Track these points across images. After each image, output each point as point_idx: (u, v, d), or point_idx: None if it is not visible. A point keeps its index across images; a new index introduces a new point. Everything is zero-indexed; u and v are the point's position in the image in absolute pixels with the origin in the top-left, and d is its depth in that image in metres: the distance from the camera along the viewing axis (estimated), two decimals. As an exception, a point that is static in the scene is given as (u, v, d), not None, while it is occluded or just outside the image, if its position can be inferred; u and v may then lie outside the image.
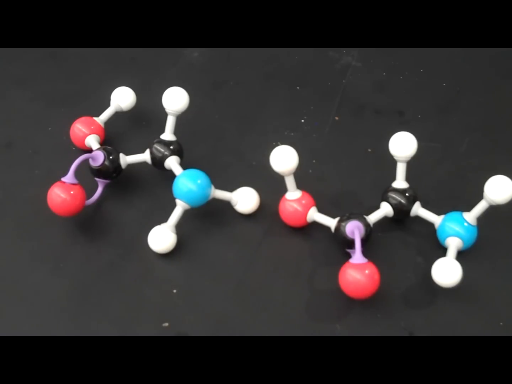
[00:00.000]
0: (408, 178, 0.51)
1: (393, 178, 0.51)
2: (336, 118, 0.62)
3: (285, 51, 0.68)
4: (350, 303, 0.48)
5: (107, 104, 0.59)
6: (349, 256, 0.49)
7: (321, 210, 0.51)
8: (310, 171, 0.57)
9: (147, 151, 0.54)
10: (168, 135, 0.54)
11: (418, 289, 0.49)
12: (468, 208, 0.49)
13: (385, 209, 0.51)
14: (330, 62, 0.67)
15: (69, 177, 0.50)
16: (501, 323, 0.47)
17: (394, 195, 0.51)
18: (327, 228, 0.50)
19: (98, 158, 0.52)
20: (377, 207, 0.51)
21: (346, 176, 0.57)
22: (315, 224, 0.51)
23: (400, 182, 0.51)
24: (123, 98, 0.58)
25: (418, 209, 0.51)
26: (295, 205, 0.51)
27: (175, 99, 0.53)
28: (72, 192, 0.50)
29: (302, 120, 0.61)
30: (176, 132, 0.54)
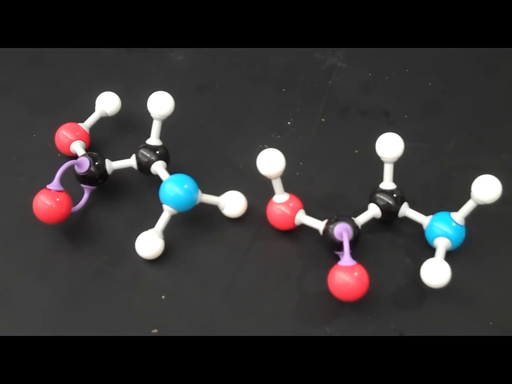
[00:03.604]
0: (395, 179, 0.51)
1: (380, 179, 0.51)
2: (323, 119, 0.61)
3: (270, 52, 0.68)
4: (339, 306, 0.48)
5: (91, 110, 0.58)
6: (338, 258, 0.49)
7: (309, 212, 0.51)
8: (297, 173, 0.57)
9: (133, 157, 0.54)
10: (154, 140, 0.54)
11: (408, 290, 0.49)
12: (456, 208, 0.49)
13: (373, 211, 0.51)
14: (315, 64, 0.67)
15: (54, 184, 0.50)
16: (490, 323, 0.47)
17: (381, 196, 0.51)
18: (316, 231, 0.50)
19: (84, 164, 0.52)
20: (365, 208, 0.51)
21: (334, 178, 0.57)
22: (303, 227, 0.51)
23: (387, 183, 0.51)
24: (107, 103, 0.58)
25: (406, 210, 0.51)
26: (283, 208, 0.51)
27: (160, 104, 0.53)
28: (58, 199, 0.49)
29: (289, 123, 0.61)
30: (162, 136, 0.54)
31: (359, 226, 0.49)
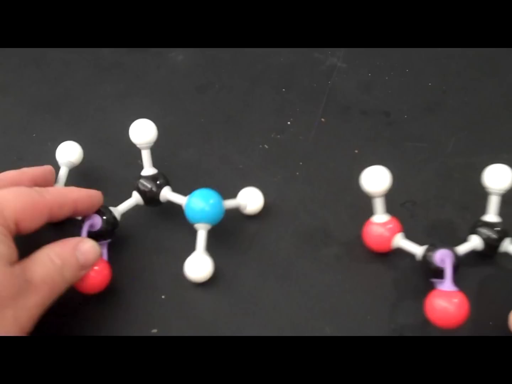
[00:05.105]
0: (394, 179, 0.51)
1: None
2: (323, 120, 0.62)
3: (270, 52, 0.68)
4: (339, 306, 0.48)
5: (91, 110, 0.58)
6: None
7: (308, 212, 0.51)
8: (297, 173, 0.57)
9: (135, 193, 0.51)
10: (149, 170, 0.52)
11: (408, 289, 0.49)
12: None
13: (474, 242, 0.49)
14: (315, 64, 0.67)
15: None
16: (490, 323, 0.47)
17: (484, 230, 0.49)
18: (313, 233, 0.50)
19: (96, 222, 0.49)
20: (365, 208, 0.51)
21: (334, 178, 0.57)
22: (304, 227, 0.51)
23: (491, 216, 0.49)
24: (71, 153, 0.54)
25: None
26: (382, 230, 0.49)
27: (143, 132, 0.51)
28: (96, 268, 0.47)
29: (289, 122, 0.61)
30: (161, 136, 0.54)
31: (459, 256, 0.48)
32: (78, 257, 0.44)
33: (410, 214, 0.53)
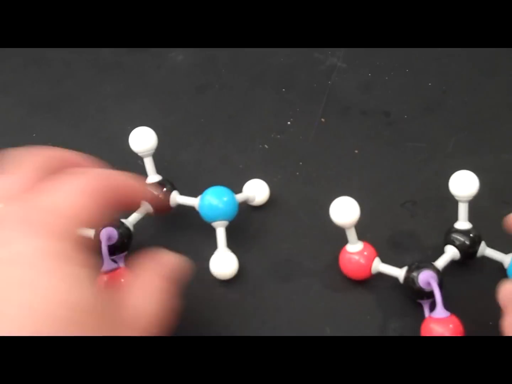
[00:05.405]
0: (394, 179, 0.51)
1: (380, 179, 0.51)
2: (323, 120, 0.62)
3: (270, 52, 0.68)
4: (339, 306, 0.48)
5: (91, 110, 0.58)
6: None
7: (308, 213, 0.51)
8: (297, 173, 0.57)
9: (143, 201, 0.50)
10: (154, 177, 0.51)
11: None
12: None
13: (450, 252, 0.48)
14: (315, 64, 0.67)
15: (107, 265, 0.46)
16: (490, 323, 0.47)
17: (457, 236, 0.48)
18: (313, 233, 0.50)
19: (113, 235, 0.48)
20: (364, 208, 0.51)
21: (334, 178, 0.57)
22: (303, 227, 0.51)
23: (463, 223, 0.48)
24: None
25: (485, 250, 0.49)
26: (357, 258, 0.48)
27: (143, 140, 0.50)
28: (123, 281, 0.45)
29: (289, 122, 0.61)
30: (161, 136, 0.54)
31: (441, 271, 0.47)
32: (166, 275, 0.41)
33: (410, 214, 0.53)
